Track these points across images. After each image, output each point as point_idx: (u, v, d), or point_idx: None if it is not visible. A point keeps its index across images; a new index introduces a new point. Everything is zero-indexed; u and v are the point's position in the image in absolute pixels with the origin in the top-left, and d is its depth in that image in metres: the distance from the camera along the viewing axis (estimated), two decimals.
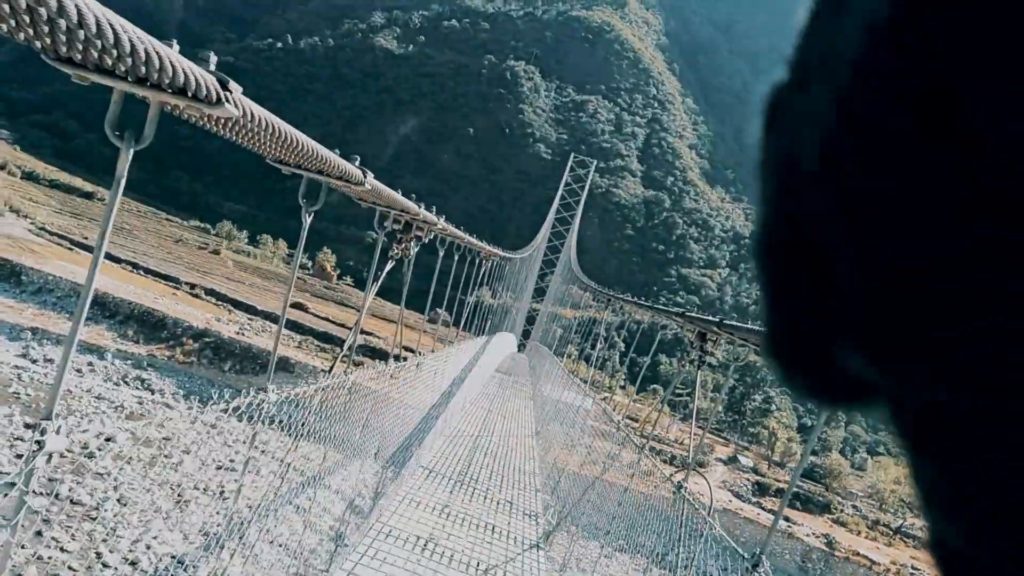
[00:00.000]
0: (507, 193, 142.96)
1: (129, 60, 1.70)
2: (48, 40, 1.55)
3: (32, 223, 67.76)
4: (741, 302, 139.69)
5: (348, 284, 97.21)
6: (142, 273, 63.69)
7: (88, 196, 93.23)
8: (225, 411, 3.55)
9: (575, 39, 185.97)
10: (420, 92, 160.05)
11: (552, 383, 27.01)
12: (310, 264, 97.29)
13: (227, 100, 2.12)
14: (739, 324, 5.65)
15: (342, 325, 67.59)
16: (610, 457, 12.02)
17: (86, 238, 69.50)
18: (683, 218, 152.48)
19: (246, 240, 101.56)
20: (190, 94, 2.01)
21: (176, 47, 1.95)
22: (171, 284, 63.68)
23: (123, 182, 2.25)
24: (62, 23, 1.38)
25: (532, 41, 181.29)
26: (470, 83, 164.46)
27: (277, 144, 2.75)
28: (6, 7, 1.26)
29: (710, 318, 6.50)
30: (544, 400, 27.01)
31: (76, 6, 1.33)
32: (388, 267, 7.20)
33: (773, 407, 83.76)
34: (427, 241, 8.07)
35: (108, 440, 32.32)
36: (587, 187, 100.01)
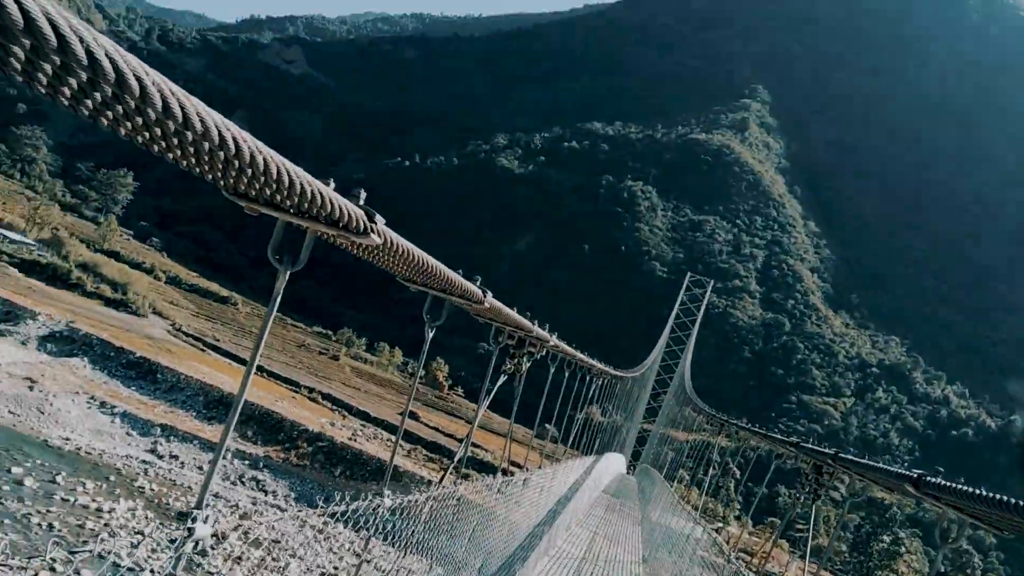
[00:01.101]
0: (621, 311, 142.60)
1: (296, 197, 1.99)
2: (231, 180, 1.85)
3: (171, 325, 72.27)
4: (867, 434, 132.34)
5: (459, 395, 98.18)
6: (265, 375, 66.38)
7: (223, 301, 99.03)
8: (344, 512, 3.71)
9: (694, 161, 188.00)
10: (537, 210, 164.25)
11: (662, 508, 26.11)
12: (423, 373, 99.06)
13: (372, 231, 2.39)
14: (858, 459, 5.44)
15: (451, 436, 67.94)
16: None
17: (218, 340, 73.44)
18: (804, 343, 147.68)
19: (364, 347, 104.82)
20: (342, 225, 2.30)
21: (332, 184, 2.24)
22: (291, 387, 65.98)
23: (279, 299, 2.54)
24: (249, 171, 1.66)
25: (651, 162, 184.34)
26: (587, 201, 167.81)
27: (409, 266, 3.02)
28: (206, 157, 1.55)
29: (825, 450, 6.28)
30: (653, 526, 26.09)
31: (264, 159, 1.61)
32: (500, 381, 7.38)
33: (903, 549, 77.70)
34: (539, 357, 8.23)
35: (221, 539, 33.12)
36: (703, 307, 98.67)
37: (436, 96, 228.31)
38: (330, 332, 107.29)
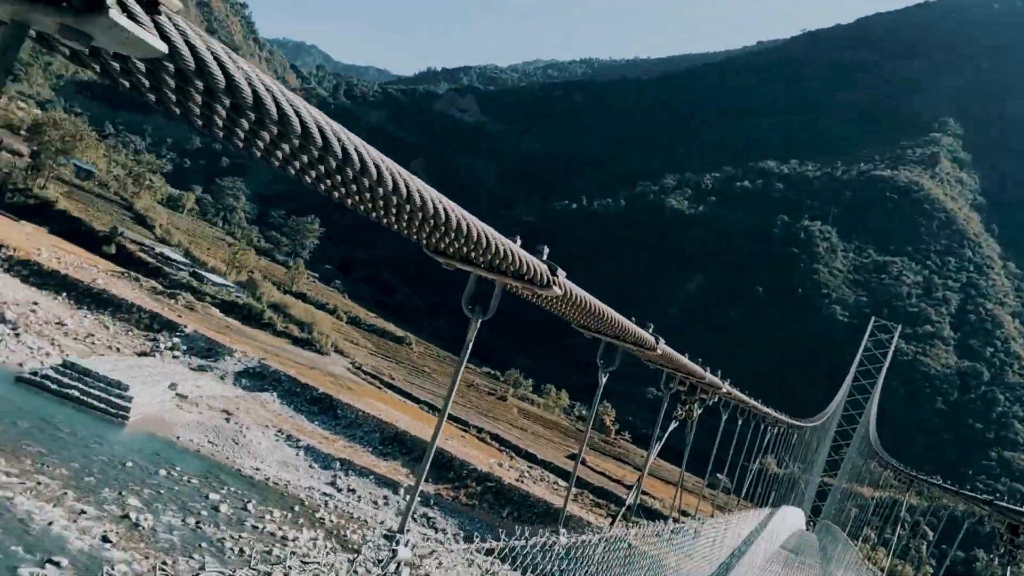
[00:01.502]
0: (798, 356, 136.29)
1: (489, 255, 2.19)
2: (435, 240, 2.07)
3: (351, 363, 76.18)
4: None
5: (626, 440, 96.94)
6: (436, 414, 68.39)
7: (399, 340, 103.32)
8: (523, 546, 3.84)
9: (878, 198, 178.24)
10: (708, 251, 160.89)
11: (845, 568, 24.58)
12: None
13: (554, 283, 2.57)
14: None
15: (618, 482, 67.06)
16: None
17: (393, 379, 76.58)
18: (1006, 394, 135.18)
19: (531, 388, 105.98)
20: (527, 278, 2.48)
21: (519, 242, 2.43)
22: (460, 426, 67.58)
23: (471, 346, 2.75)
24: (453, 234, 1.87)
25: (829, 201, 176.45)
26: (761, 242, 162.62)
27: (585, 314, 3.16)
28: (417, 223, 1.77)
29: (1021, 508, 5.78)
30: None
31: (467, 224, 1.82)
32: (671, 427, 7.33)
33: None
34: (711, 403, 8.10)
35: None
36: (890, 354, 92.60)
37: (604, 139, 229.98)
38: (498, 373, 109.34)
